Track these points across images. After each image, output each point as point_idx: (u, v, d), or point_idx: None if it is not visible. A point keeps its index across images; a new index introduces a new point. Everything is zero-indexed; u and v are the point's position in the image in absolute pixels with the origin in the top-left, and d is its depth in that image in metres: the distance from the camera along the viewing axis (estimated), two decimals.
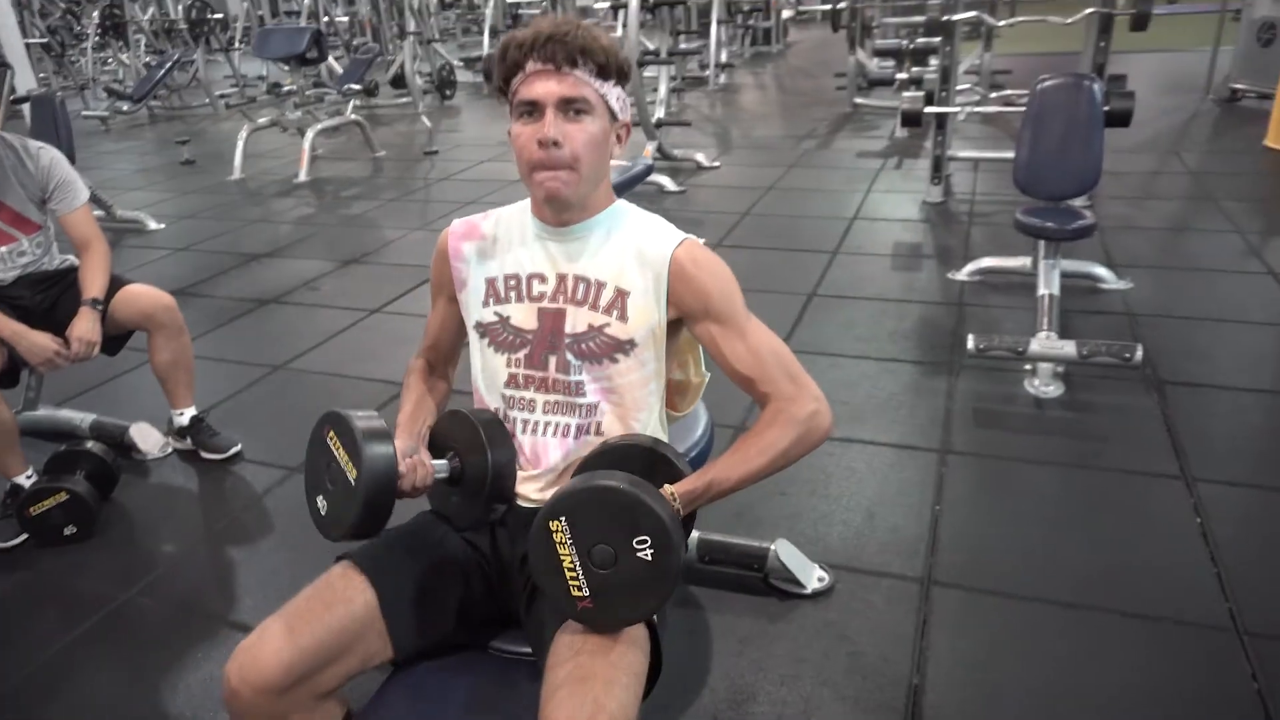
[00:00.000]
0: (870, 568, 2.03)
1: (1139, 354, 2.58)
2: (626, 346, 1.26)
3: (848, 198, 5.11)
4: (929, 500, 2.26)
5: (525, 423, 1.31)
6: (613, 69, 1.20)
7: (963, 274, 3.76)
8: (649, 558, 1.06)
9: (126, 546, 2.32)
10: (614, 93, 1.22)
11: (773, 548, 1.97)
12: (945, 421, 2.64)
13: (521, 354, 1.30)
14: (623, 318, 1.26)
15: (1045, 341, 2.71)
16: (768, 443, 1.23)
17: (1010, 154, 3.34)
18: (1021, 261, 3.61)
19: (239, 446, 2.71)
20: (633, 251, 1.28)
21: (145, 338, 2.58)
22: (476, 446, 1.26)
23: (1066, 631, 1.80)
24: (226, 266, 4.59)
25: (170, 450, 2.76)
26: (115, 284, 2.54)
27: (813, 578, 1.98)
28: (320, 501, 1.19)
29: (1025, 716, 1.62)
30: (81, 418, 2.86)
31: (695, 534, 2.05)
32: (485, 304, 1.34)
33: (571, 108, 1.18)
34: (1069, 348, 2.65)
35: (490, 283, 1.34)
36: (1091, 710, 1.62)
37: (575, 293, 1.28)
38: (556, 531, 1.07)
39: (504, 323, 1.32)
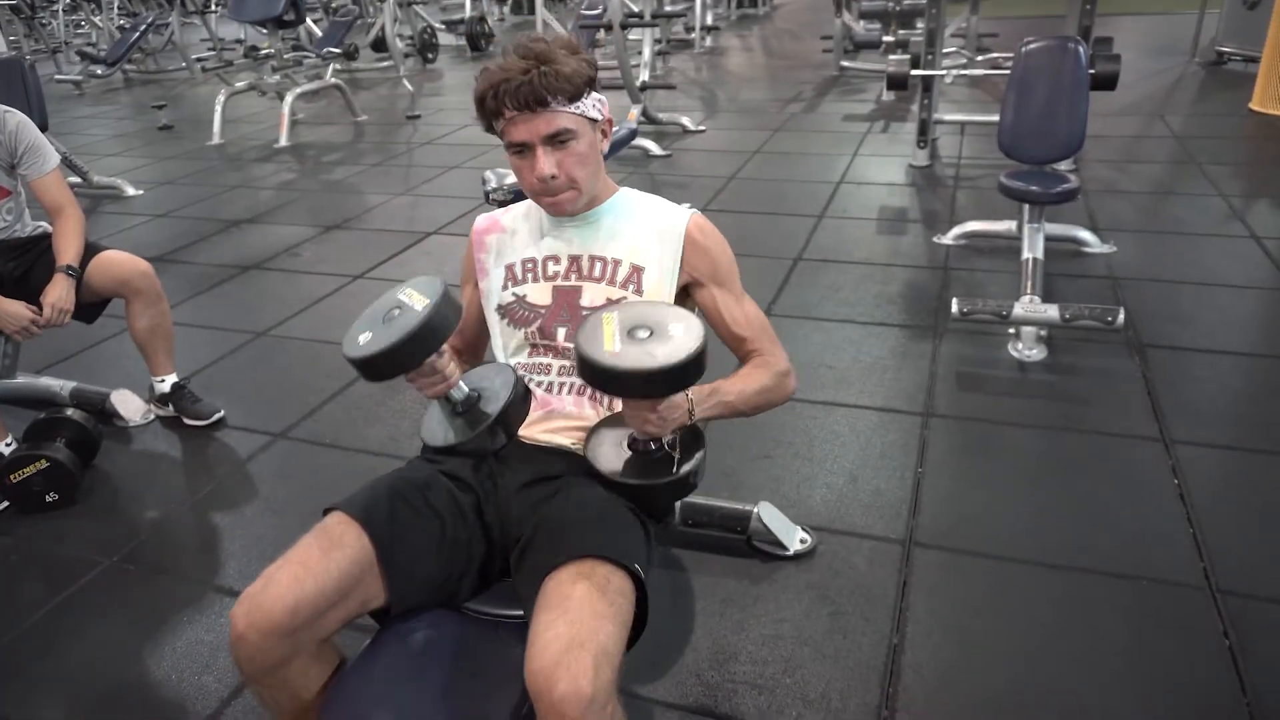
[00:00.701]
0: (852, 529, 2.05)
1: (1121, 317, 2.59)
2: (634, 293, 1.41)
3: (833, 162, 5.08)
4: (912, 463, 2.28)
5: (540, 383, 1.44)
6: (582, 88, 1.32)
7: (948, 238, 3.76)
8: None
9: (109, 513, 2.31)
10: (589, 103, 1.34)
11: (755, 510, 1.98)
12: (929, 385, 2.65)
13: (535, 326, 1.45)
14: (639, 291, 1.42)
15: (1028, 305, 2.72)
16: (755, 377, 1.46)
17: (996, 117, 3.33)
18: (1006, 225, 3.61)
19: (222, 413, 2.70)
20: (649, 229, 1.45)
21: (123, 305, 2.55)
22: (491, 378, 1.32)
23: (1045, 591, 1.83)
24: (207, 233, 4.53)
25: (152, 417, 2.74)
26: (91, 251, 2.50)
27: (795, 540, 1.99)
28: (363, 336, 1.21)
29: (1003, 674, 1.64)
30: (61, 385, 2.83)
31: None
32: (505, 288, 1.48)
33: (556, 139, 1.32)
34: (1052, 311, 2.66)
35: (509, 269, 1.49)
36: (1069, 667, 1.64)
37: (591, 271, 1.44)
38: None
39: (520, 301, 1.46)
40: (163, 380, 2.69)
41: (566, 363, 1.42)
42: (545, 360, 1.45)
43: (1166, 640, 1.69)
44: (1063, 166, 3.96)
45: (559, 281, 1.44)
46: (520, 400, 1.29)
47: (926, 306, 3.18)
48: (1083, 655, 1.67)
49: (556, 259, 1.45)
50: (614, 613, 1.13)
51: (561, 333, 1.43)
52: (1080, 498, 2.11)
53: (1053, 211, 3.27)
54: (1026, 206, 3.13)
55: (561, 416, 1.43)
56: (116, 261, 2.51)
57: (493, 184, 3.22)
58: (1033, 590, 1.83)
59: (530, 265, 1.46)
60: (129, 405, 2.73)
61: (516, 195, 3.25)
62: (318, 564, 1.17)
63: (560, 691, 1.01)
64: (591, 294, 1.42)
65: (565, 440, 1.43)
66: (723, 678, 1.67)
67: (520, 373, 1.35)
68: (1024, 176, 3.11)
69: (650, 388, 1.20)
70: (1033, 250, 3.03)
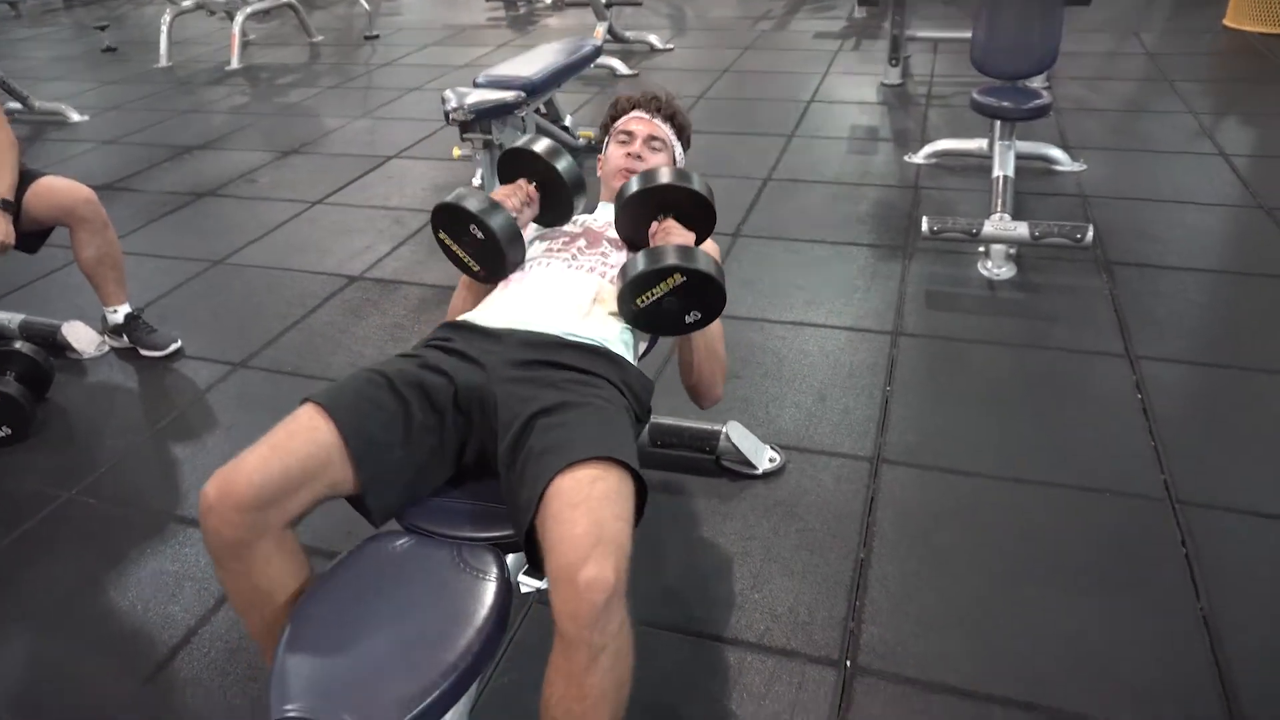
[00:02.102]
0: (821, 448, 2.05)
1: (1089, 235, 2.58)
2: None
3: (804, 80, 4.97)
4: (880, 382, 2.28)
5: (548, 264, 1.58)
6: (684, 134, 1.90)
7: (919, 157, 3.71)
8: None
9: (66, 447, 2.26)
10: (679, 148, 1.88)
11: (724, 430, 1.98)
12: (898, 305, 2.64)
13: (559, 242, 1.66)
14: None
15: (998, 223, 2.70)
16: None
17: (969, 34, 3.25)
18: (978, 144, 3.57)
19: (179, 343, 2.63)
20: None
21: (68, 234, 2.45)
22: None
23: (1011, 505, 1.86)
24: (158, 159, 4.36)
25: (107, 349, 2.66)
26: (28, 178, 2.39)
27: (764, 459, 2.00)
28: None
29: (969, 587, 1.67)
30: (9, 318, 2.73)
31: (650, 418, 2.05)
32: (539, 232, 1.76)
33: (653, 143, 1.80)
34: (1021, 229, 2.64)
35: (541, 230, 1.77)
36: (1033, 579, 1.68)
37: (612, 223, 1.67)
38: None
39: (551, 231, 1.72)
40: (115, 311, 2.60)
41: (575, 256, 1.60)
42: (557, 254, 1.62)
43: (1127, 551, 1.72)
44: (1035, 83, 3.90)
45: (590, 222, 1.75)
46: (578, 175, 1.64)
47: (897, 226, 3.15)
48: (1046, 567, 1.70)
49: (599, 217, 1.77)
50: (626, 514, 1.16)
51: (581, 242, 1.65)
52: (1046, 414, 2.13)
53: (1024, 129, 3.24)
54: (998, 123, 3.09)
55: (559, 292, 1.50)
56: (57, 189, 2.40)
57: (453, 103, 3.11)
58: (998, 504, 1.86)
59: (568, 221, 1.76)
60: (81, 337, 2.65)
61: (477, 116, 3.15)
62: (284, 445, 1.21)
63: (588, 578, 1.05)
64: (613, 232, 1.65)
65: (559, 327, 1.43)
66: (692, 594, 1.68)
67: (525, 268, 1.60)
68: (996, 92, 3.06)
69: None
70: (1003, 168, 3.00)
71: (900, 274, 2.82)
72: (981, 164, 3.54)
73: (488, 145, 3.22)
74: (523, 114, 3.29)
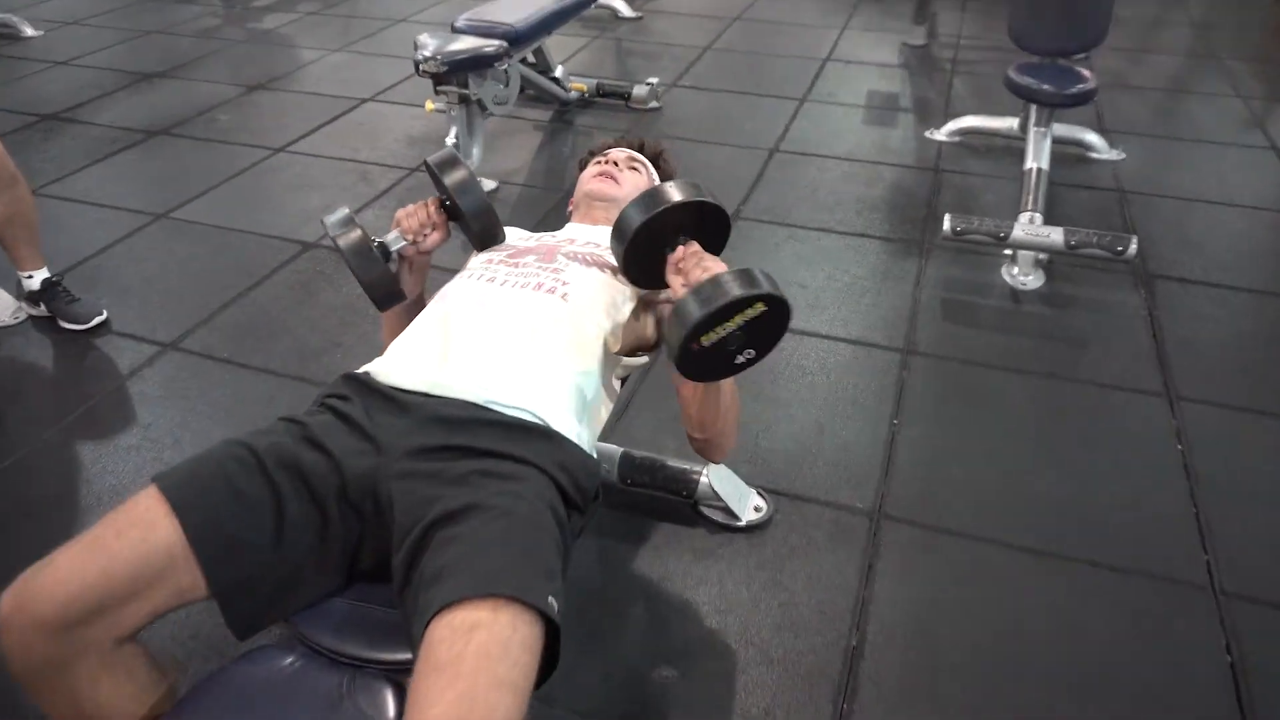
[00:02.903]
0: (815, 495, 1.80)
1: (1133, 247, 2.29)
2: (616, 270, 1.34)
3: (821, 35, 4.58)
4: (886, 412, 2.01)
5: (491, 279, 1.32)
6: (666, 173, 1.67)
7: (941, 133, 3.38)
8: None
9: None
10: (658, 179, 1.65)
11: (705, 476, 1.72)
12: (911, 313, 2.36)
13: (505, 254, 1.40)
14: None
15: (1029, 227, 2.40)
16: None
17: None
18: (1007, 123, 3.23)
19: (103, 316, 2.34)
20: None
21: None
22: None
23: (1026, 583, 1.61)
24: (112, 86, 3.98)
25: (24, 317, 2.38)
26: None
27: (748, 507, 1.74)
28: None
29: (975, 688, 1.43)
30: None
31: (618, 450, 1.79)
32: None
33: (631, 163, 1.63)
34: (1055, 235, 2.35)
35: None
36: (1049, 678, 1.44)
37: (584, 237, 1.48)
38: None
39: (503, 245, 1.46)
40: (30, 276, 2.31)
41: (522, 270, 1.33)
42: (502, 269, 1.35)
43: (1160, 652, 1.48)
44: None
45: (546, 237, 1.49)
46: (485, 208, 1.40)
47: (914, 216, 2.85)
48: (1070, 665, 1.46)
49: (560, 233, 1.52)
50: (516, 676, 0.88)
51: (530, 257, 1.37)
52: (1071, 465, 1.87)
53: (1062, 112, 2.90)
54: (1034, 106, 2.76)
55: (495, 328, 1.23)
56: None
57: (429, 51, 2.77)
58: (1012, 581, 1.61)
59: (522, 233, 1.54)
60: None
61: (452, 67, 2.80)
62: (109, 547, 0.98)
63: None
64: (576, 246, 1.41)
65: (485, 389, 1.15)
66: (647, 684, 1.44)
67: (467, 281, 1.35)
68: (1035, 71, 2.72)
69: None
70: (1038, 159, 2.68)
71: (915, 275, 2.53)
72: (1010, 145, 3.22)
73: (464, 101, 2.89)
74: (504, 66, 2.95)
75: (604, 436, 1.92)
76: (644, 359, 1.41)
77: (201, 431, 1.97)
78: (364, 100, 3.81)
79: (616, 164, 1.60)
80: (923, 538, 1.71)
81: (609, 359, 1.31)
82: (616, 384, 1.37)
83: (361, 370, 1.23)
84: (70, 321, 2.31)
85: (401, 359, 1.23)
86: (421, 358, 1.22)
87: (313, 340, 2.28)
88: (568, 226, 1.56)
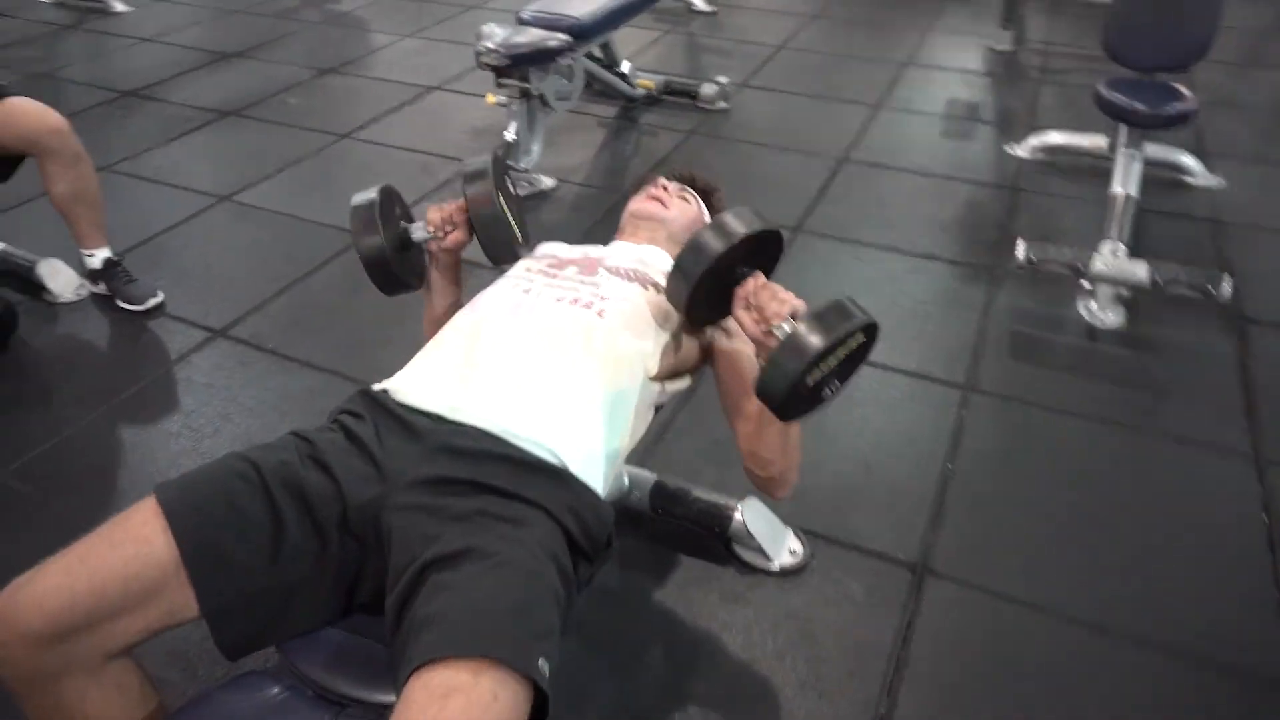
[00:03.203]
0: (855, 540, 1.70)
1: (1226, 288, 2.11)
2: (660, 288, 1.28)
3: (903, 37, 4.40)
4: (941, 453, 1.90)
5: (527, 290, 1.28)
6: (714, 206, 1.59)
7: (1023, 149, 3.20)
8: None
9: (11, 412, 2.02)
10: (708, 214, 1.57)
11: (739, 512, 1.64)
12: (975, 346, 2.23)
13: (545, 263, 1.36)
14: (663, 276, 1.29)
15: (1111, 260, 2.24)
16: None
17: None
18: (1096, 141, 3.04)
19: (159, 298, 2.37)
20: None
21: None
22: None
23: (1083, 661, 1.49)
24: (192, 65, 4.05)
25: (85, 293, 2.42)
26: None
27: (783, 550, 1.66)
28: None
29: None
30: None
31: (652, 477, 1.72)
32: (540, 252, 1.46)
33: (682, 193, 1.55)
34: (1140, 270, 2.18)
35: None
36: None
37: (629, 254, 1.41)
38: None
39: (544, 255, 1.42)
40: (91, 254, 2.35)
41: (561, 284, 1.29)
42: (539, 279, 1.31)
43: None
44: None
45: (589, 248, 1.44)
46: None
47: (986, 238, 2.70)
48: None
49: (597, 248, 1.46)
50: None
51: (572, 269, 1.33)
52: (1143, 530, 1.73)
53: (1158, 133, 2.71)
54: (1124, 127, 2.58)
55: (526, 346, 1.18)
56: (21, 114, 2.11)
57: (490, 43, 2.72)
58: (1067, 661, 1.49)
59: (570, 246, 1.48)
60: (59, 278, 2.40)
61: (514, 61, 2.75)
62: (101, 560, 0.96)
63: None
64: (617, 260, 1.36)
65: (505, 419, 1.09)
66: None
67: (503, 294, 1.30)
68: (1128, 89, 2.54)
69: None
70: (1126, 184, 2.51)
71: (983, 304, 2.39)
72: (1097, 166, 3.02)
73: (525, 95, 2.84)
74: (568, 60, 2.88)
75: (641, 460, 1.85)
76: (683, 384, 1.34)
77: (240, 423, 1.97)
78: (431, 88, 3.79)
79: (667, 189, 1.54)
80: (968, 599, 1.60)
81: (644, 383, 1.24)
82: (651, 410, 1.30)
83: (379, 387, 1.19)
84: (127, 301, 2.34)
85: (421, 376, 1.19)
86: (442, 376, 1.17)
87: (359, 335, 2.26)
88: (613, 244, 1.50)
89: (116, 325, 2.33)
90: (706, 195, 1.60)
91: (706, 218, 1.56)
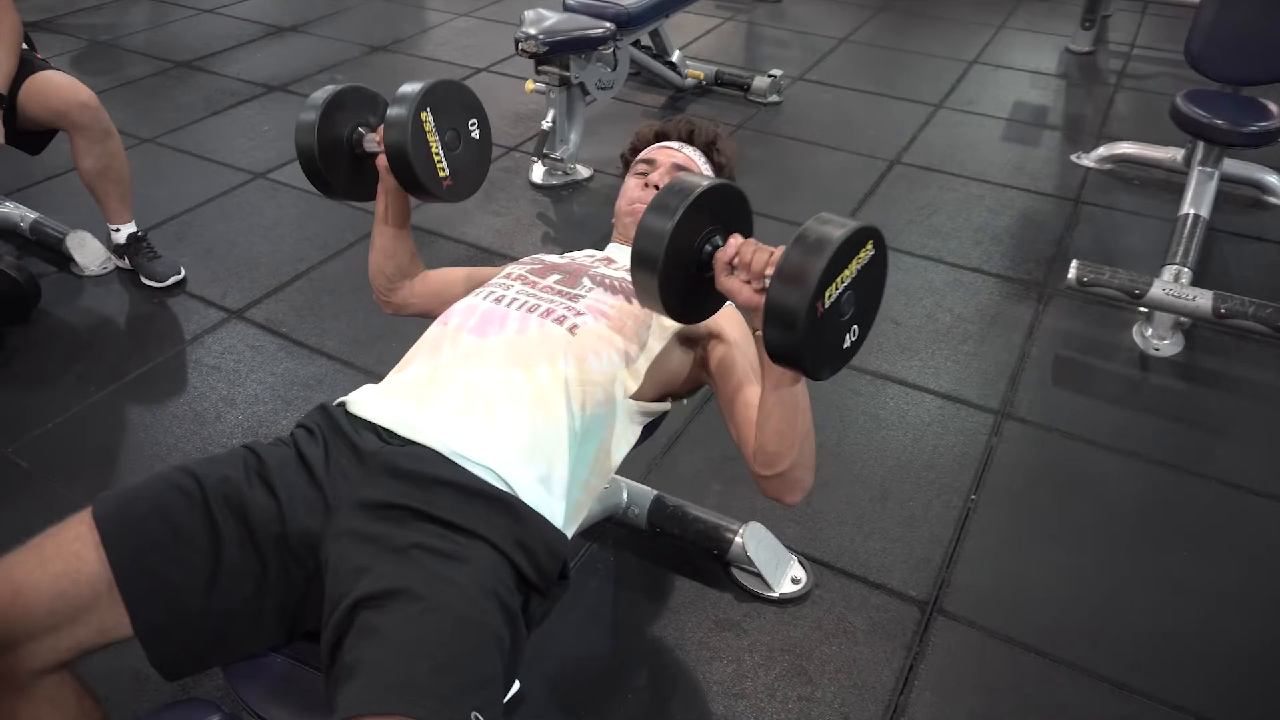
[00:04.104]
0: (863, 572, 1.60)
1: None
2: None
3: (973, 33, 4.20)
4: (965, 486, 1.78)
5: (500, 298, 1.20)
6: (725, 172, 1.41)
7: (1090, 159, 3.01)
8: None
9: (27, 384, 2.03)
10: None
11: (740, 535, 1.55)
12: (1015, 369, 2.09)
13: (528, 268, 1.27)
14: None
15: (1173, 285, 2.07)
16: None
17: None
18: (1170, 154, 2.84)
19: (181, 275, 2.36)
20: None
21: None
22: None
23: (1098, 718, 1.37)
24: (246, 37, 4.07)
25: (111, 267, 2.42)
26: (27, 69, 2.11)
27: (785, 577, 1.56)
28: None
29: None
30: (22, 216, 2.52)
31: (652, 494, 1.64)
32: (529, 255, 1.38)
33: (674, 175, 1.26)
34: (1203, 300, 2.01)
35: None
36: None
37: (622, 261, 1.29)
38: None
39: (532, 258, 1.33)
40: (118, 230, 2.35)
41: (539, 292, 1.20)
42: (516, 285, 1.22)
43: None
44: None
45: (579, 255, 1.34)
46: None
47: (1039, 254, 2.54)
48: None
49: (598, 252, 1.38)
50: None
51: (554, 277, 1.23)
52: (1185, 582, 1.59)
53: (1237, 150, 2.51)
54: (1201, 143, 2.39)
55: (472, 369, 1.09)
56: (52, 88, 2.11)
57: (531, 29, 2.65)
58: (1079, 715, 1.37)
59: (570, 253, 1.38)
60: (86, 250, 2.41)
61: (551, 49, 2.67)
62: (27, 576, 0.91)
63: None
64: (610, 269, 1.26)
65: (445, 438, 1.02)
66: None
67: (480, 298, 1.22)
68: (1208, 101, 2.35)
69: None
70: (1197, 204, 2.33)
71: (1029, 324, 2.24)
72: (1170, 180, 2.84)
73: (564, 83, 2.76)
74: (610, 49, 2.79)
75: (645, 471, 1.78)
76: (665, 406, 1.26)
77: (244, 410, 1.95)
78: (479, 70, 3.74)
79: (664, 174, 1.35)
80: (980, 644, 1.48)
81: (622, 404, 1.15)
82: (634, 430, 1.21)
83: (338, 401, 1.13)
84: (149, 278, 2.34)
85: (382, 389, 1.13)
86: (402, 390, 1.11)
87: (370, 324, 2.22)
88: (609, 247, 1.41)
89: (136, 301, 2.33)
90: (707, 148, 1.41)
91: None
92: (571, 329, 1.12)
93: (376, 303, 1.45)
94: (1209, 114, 2.29)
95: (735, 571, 1.57)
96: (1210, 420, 1.97)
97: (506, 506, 0.98)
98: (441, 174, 1.25)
